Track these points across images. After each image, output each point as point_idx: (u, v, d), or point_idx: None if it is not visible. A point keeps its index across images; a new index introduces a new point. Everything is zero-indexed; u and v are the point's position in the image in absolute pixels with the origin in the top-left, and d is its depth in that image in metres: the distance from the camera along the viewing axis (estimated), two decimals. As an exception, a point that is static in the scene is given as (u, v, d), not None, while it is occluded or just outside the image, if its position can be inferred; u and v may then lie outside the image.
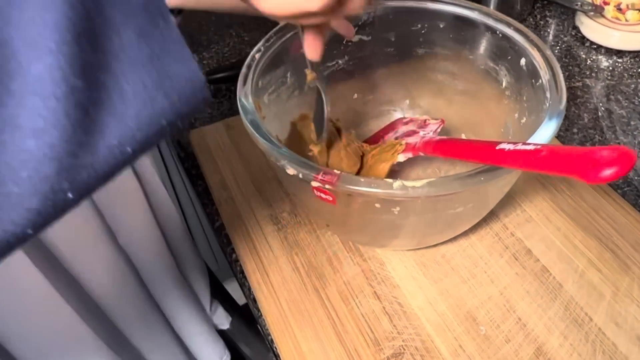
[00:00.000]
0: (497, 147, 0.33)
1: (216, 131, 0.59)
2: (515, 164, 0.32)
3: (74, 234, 0.41)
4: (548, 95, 0.40)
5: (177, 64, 0.19)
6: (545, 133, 0.36)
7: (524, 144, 0.32)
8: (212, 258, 1.14)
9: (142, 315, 0.53)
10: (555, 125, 0.36)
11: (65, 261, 0.42)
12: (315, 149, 0.47)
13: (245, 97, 0.42)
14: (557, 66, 0.41)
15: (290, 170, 0.36)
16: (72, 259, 0.42)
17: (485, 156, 0.35)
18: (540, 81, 0.42)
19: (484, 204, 0.42)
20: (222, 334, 0.63)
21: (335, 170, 0.35)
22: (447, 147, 0.42)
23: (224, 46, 0.73)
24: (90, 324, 0.44)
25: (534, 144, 0.31)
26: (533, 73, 0.44)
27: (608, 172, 0.25)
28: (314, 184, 0.36)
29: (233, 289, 0.67)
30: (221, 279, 0.69)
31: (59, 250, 0.41)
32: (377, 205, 0.37)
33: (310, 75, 0.43)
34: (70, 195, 0.17)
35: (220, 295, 0.65)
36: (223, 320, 0.63)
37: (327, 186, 0.35)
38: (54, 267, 0.40)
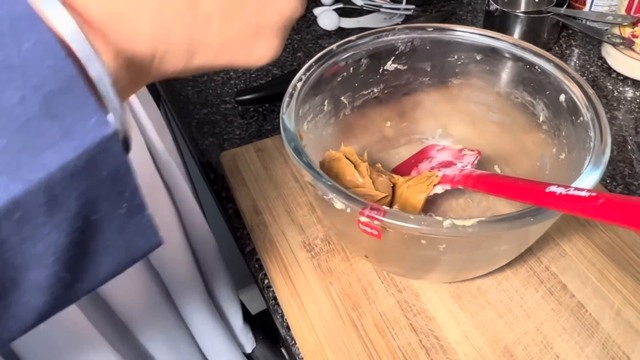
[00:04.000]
0: (547, 190, 0.34)
1: (246, 153, 0.60)
2: (567, 209, 0.32)
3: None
4: (591, 134, 0.41)
5: (144, 240, 0.22)
6: (588, 182, 0.36)
7: (576, 189, 0.32)
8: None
9: (167, 334, 0.53)
10: (599, 175, 0.36)
11: None
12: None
13: (289, 122, 0.42)
14: (601, 108, 0.41)
15: (338, 205, 0.36)
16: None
17: (533, 197, 0.35)
18: (581, 119, 0.43)
19: (525, 241, 0.42)
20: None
21: (384, 206, 0.36)
22: (490, 183, 0.42)
23: (251, 66, 0.74)
24: (114, 342, 0.44)
25: (587, 190, 0.31)
26: (574, 110, 0.44)
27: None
28: (362, 219, 0.36)
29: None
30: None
31: None
32: (423, 241, 0.37)
33: None
34: None
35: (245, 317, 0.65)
36: (247, 344, 0.63)
37: (375, 222, 0.36)
38: None
